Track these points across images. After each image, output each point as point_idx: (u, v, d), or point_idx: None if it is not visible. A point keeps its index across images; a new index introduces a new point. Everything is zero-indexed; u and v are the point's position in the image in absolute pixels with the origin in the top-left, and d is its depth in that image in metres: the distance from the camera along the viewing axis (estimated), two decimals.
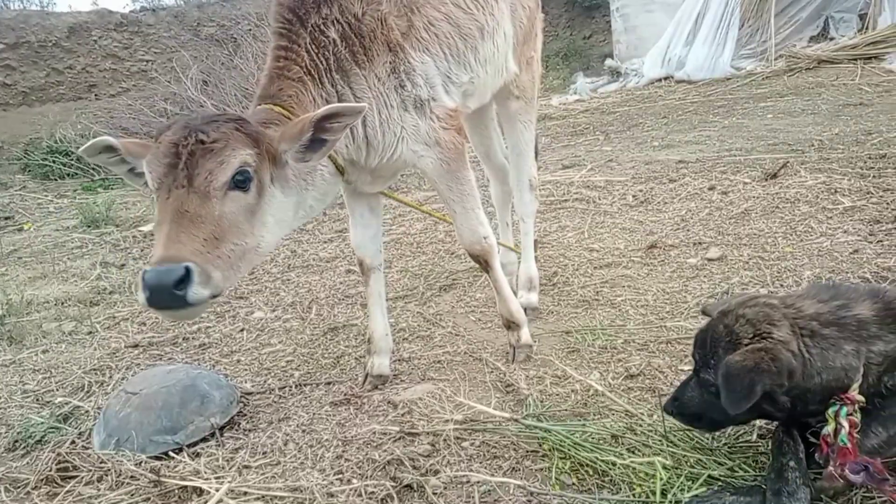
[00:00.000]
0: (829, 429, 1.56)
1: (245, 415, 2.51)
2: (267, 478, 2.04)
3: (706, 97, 8.37)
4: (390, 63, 2.28)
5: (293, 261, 4.45)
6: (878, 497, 1.57)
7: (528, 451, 2.02)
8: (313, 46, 2.19)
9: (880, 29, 8.60)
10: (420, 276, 3.84)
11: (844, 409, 1.56)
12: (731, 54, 9.59)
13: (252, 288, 4.01)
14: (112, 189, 9.67)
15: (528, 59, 3.08)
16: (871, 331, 1.61)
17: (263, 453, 2.21)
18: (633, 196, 4.63)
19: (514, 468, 1.95)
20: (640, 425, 2.03)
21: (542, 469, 1.92)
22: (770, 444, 1.71)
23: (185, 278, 1.63)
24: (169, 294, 1.61)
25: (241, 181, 1.83)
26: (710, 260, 3.29)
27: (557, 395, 2.35)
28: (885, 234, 3.17)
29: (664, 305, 2.94)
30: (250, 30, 14.57)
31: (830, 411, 1.57)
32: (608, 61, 11.77)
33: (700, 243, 3.53)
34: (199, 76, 13.29)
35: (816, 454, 1.59)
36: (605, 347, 2.66)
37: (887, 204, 3.54)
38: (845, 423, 1.54)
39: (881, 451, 1.57)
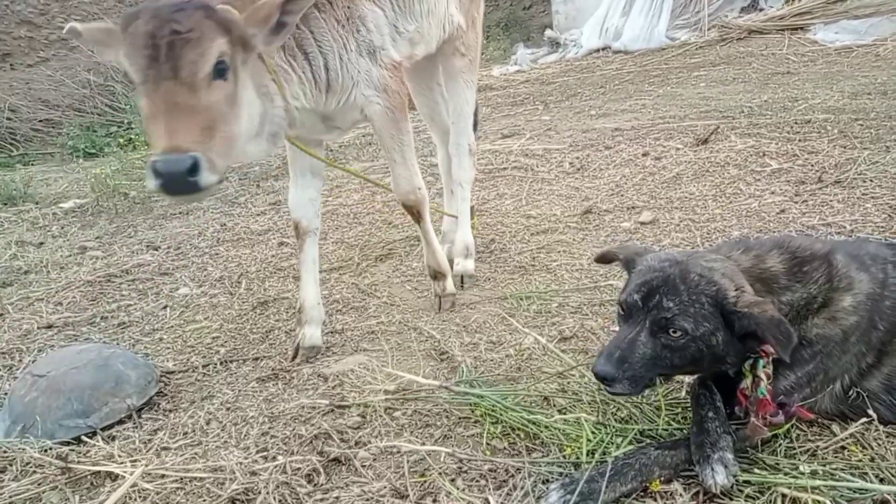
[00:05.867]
0: (746, 382, 1.57)
1: (165, 395, 2.38)
2: (186, 459, 1.93)
3: (642, 67, 8.44)
4: (348, 8, 2.33)
5: (223, 234, 4.26)
6: (800, 447, 1.60)
7: (460, 418, 1.97)
8: None
9: (805, 1, 8.83)
10: (356, 247, 3.74)
11: (761, 362, 1.57)
12: (666, 25, 9.68)
13: (178, 263, 3.82)
14: (32, 165, 9.10)
15: (474, 19, 3.11)
16: (781, 283, 1.64)
17: (184, 434, 2.10)
18: (570, 163, 4.62)
19: (445, 436, 1.91)
20: (572, 386, 2.01)
21: (473, 435, 1.88)
22: (690, 398, 1.71)
23: (196, 167, 1.72)
24: (184, 181, 1.71)
25: (221, 70, 1.85)
26: (642, 224, 3.31)
27: (491, 360, 2.32)
28: (810, 195, 3.26)
29: (598, 269, 2.93)
30: None
31: (747, 365, 1.58)
32: (548, 32, 11.72)
33: (633, 208, 3.55)
34: None
35: (736, 408, 1.60)
36: (539, 312, 2.64)
37: (812, 166, 3.63)
38: (763, 376, 1.55)
39: (793, 391, 1.61)
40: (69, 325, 3.12)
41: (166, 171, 1.69)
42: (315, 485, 1.73)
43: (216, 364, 2.55)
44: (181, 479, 1.83)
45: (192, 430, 2.11)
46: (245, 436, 2.02)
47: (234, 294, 3.26)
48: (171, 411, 2.27)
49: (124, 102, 10.33)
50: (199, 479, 1.82)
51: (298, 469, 1.78)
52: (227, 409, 2.21)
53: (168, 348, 2.78)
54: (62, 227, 5.07)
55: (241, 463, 1.84)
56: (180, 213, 5.04)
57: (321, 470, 1.77)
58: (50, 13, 12.94)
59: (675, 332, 1.53)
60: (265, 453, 1.90)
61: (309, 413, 2.07)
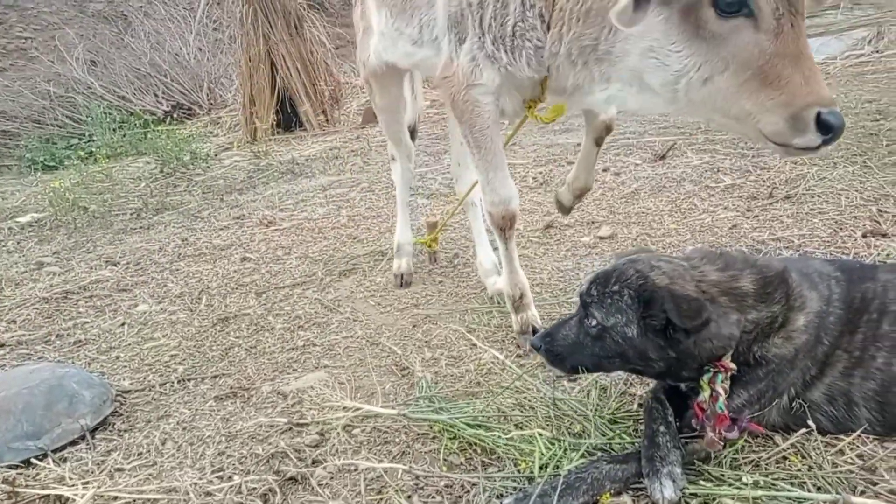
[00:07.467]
0: (704, 396, 1.61)
1: (121, 414, 2.34)
2: (140, 480, 1.91)
3: None
4: None
5: (184, 249, 4.22)
6: (744, 458, 1.65)
7: (418, 434, 1.99)
8: None
9: None
10: (320, 262, 3.74)
11: (720, 377, 1.61)
12: None
13: (137, 279, 3.77)
14: None
15: None
16: (748, 302, 1.68)
17: (139, 454, 2.07)
18: (534, 178, 4.70)
19: (403, 452, 1.92)
20: (529, 401, 2.04)
21: (431, 451, 1.90)
22: (642, 412, 1.76)
23: None
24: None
25: None
26: (601, 238, 3.38)
27: (451, 375, 2.34)
28: (761, 210, 3.37)
29: (558, 283, 2.99)
30: (142, 7, 13.72)
31: (705, 378, 1.62)
32: None
33: (593, 222, 3.62)
34: (86, 55, 12.40)
35: (693, 421, 1.63)
36: (500, 326, 2.67)
37: (763, 181, 3.76)
38: (721, 391, 1.59)
39: (744, 408, 1.65)
40: (22, 344, 3.05)
41: (839, 124, 1.52)
42: None
43: (174, 382, 2.52)
44: (134, 501, 1.80)
45: (146, 450, 2.09)
46: (201, 456, 2.00)
47: (193, 311, 3.23)
48: (126, 431, 2.23)
49: (86, 114, 10.14)
50: (152, 501, 1.80)
51: (254, 489, 1.77)
52: (184, 428, 2.18)
53: (125, 367, 2.74)
54: (18, 242, 4.96)
55: (195, 484, 1.82)
56: (140, 227, 4.97)
57: (277, 489, 1.76)
58: (8, 22, 12.67)
59: (590, 319, 1.67)
60: (221, 473, 1.88)
61: (267, 432, 2.06)
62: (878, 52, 7.53)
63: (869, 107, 5.20)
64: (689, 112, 1.83)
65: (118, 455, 2.06)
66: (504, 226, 2.43)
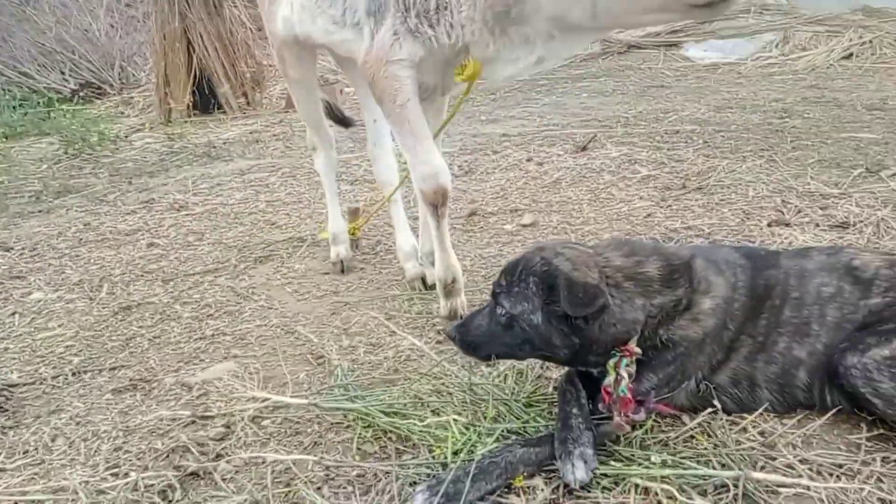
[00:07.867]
0: (609, 379, 1.63)
1: (6, 410, 2.16)
2: (24, 480, 1.76)
3: (531, 77, 8.72)
4: None
5: (86, 234, 3.95)
6: (653, 437, 1.68)
7: (332, 424, 1.92)
8: None
9: None
10: (234, 248, 3.58)
11: (624, 361, 1.63)
12: None
13: (32, 266, 3.50)
14: None
15: None
16: (654, 287, 1.71)
17: (24, 452, 1.91)
18: (459, 166, 4.67)
19: (315, 443, 1.85)
20: (446, 387, 2.01)
21: (344, 440, 1.83)
22: (557, 395, 1.76)
23: None
24: None
25: None
26: (523, 226, 3.40)
27: (369, 363, 2.28)
28: (674, 200, 3.48)
29: (480, 270, 2.98)
30: None
31: (611, 362, 1.64)
32: None
33: (516, 210, 3.64)
34: None
35: (600, 405, 1.65)
36: (420, 313, 2.64)
37: (677, 173, 3.88)
38: (625, 375, 1.62)
39: (652, 391, 1.68)
40: None
41: None
42: (169, 501, 1.63)
43: (68, 375, 2.35)
44: (16, 503, 1.65)
45: (34, 447, 1.93)
46: (95, 452, 1.86)
47: (93, 299, 3.02)
48: (10, 428, 2.06)
49: None
50: (38, 502, 1.65)
51: (151, 485, 1.66)
52: (77, 423, 2.03)
53: (14, 359, 2.53)
54: None
55: (86, 482, 1.69)
56: (39, 211, 4.63)
57: (177, 485, 1.66)
58: None
59: (500, 308, 1.69)
60: (116, 470, 1.76)
61: (168, 425, 1.94)
62: (783, 55, 7.98)
63: (775, 105, 5.49)
64: (620, 24, 2.00)
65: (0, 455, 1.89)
66: (436, 202, 2.36)
